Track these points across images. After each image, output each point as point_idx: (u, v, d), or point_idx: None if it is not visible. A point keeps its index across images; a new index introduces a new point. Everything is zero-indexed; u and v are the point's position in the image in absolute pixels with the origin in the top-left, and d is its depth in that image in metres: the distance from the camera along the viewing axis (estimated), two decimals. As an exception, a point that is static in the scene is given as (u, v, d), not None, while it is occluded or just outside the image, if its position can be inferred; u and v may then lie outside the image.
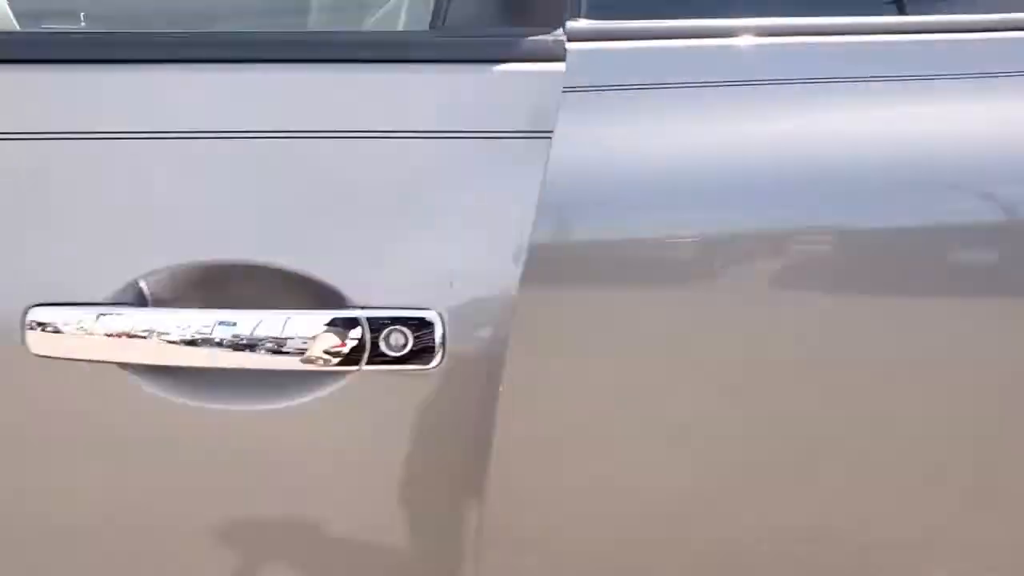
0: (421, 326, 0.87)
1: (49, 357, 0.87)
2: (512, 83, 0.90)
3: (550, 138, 0.88)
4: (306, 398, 0.88)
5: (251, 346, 0.87)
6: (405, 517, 0.93)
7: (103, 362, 0.87)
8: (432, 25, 0.92)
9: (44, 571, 0.94)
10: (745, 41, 0.94)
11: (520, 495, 0.92)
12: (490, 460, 0.89)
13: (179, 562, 0.93)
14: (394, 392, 0.89)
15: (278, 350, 0.87)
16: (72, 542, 0.93)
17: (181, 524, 0.92)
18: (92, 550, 0.93)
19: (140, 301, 0.87)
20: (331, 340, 0.87)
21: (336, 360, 0.87)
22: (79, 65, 0.89)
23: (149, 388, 0.88)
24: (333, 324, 0.87)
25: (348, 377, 0.88)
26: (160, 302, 0.87)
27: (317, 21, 1.35)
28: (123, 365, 0.87)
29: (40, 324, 0.86)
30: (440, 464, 0.91)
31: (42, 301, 0.86)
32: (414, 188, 0.88)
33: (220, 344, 0.86)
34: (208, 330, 0.86)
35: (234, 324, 0.87)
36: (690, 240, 0.90)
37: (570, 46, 0.90)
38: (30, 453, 0.90)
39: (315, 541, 0.93)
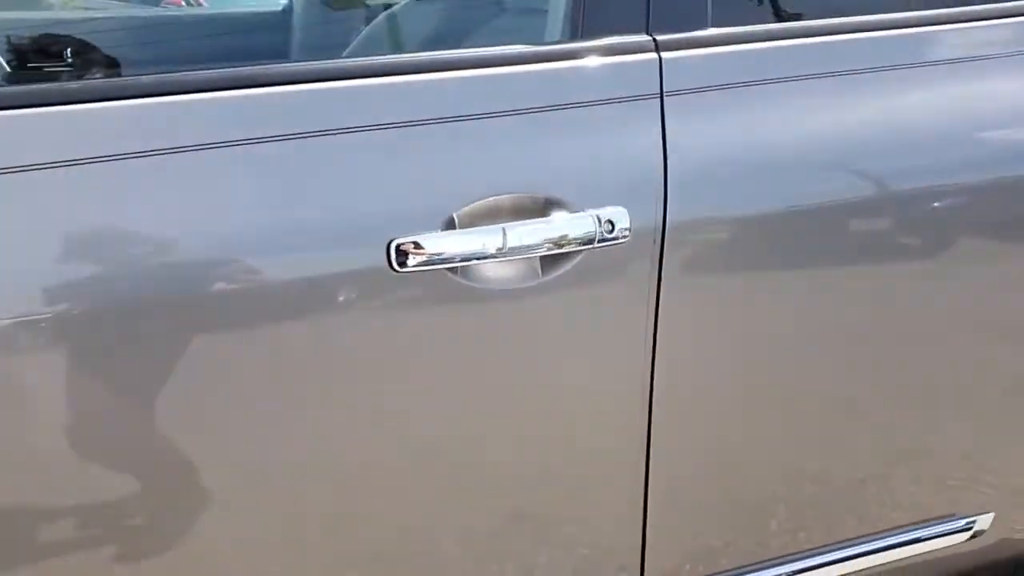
0: (618, 217, 1.43)
1: (407, 272, 1.34)
2: (627, 68, 1.48)
3: (657, 97, 1.47)
4: (567, 267, 1.41)
5: (528, 244, 1.39)
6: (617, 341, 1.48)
7: (439, 269, 1.36)
8: (572, 36, 1.49)
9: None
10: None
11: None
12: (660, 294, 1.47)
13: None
14: (614, 255, 1.43)
15: (545, 243, 1.39)
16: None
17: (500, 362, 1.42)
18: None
19: (452, 226, 1.37)
20: (579, 231, 1.41)
21: (580, 243, 1.41)
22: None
23: (467, 282, 1.37)
24: (577, 222, 1.40)
25: (585, 253, 1.41)
26: (464, 226, 1.37)
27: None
28: (450, 269, 1.36)
29: (402, 248, 1.33)
30: (632, 296, 1.47)
31: (398, 235, 1.33)
32: (596, 139, 1.44)
33: (508, 244, 1.38)
34: (499, 239, 1.38)
35: (515, 230, 1.38)
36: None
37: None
38: (395, 341, 1.37)
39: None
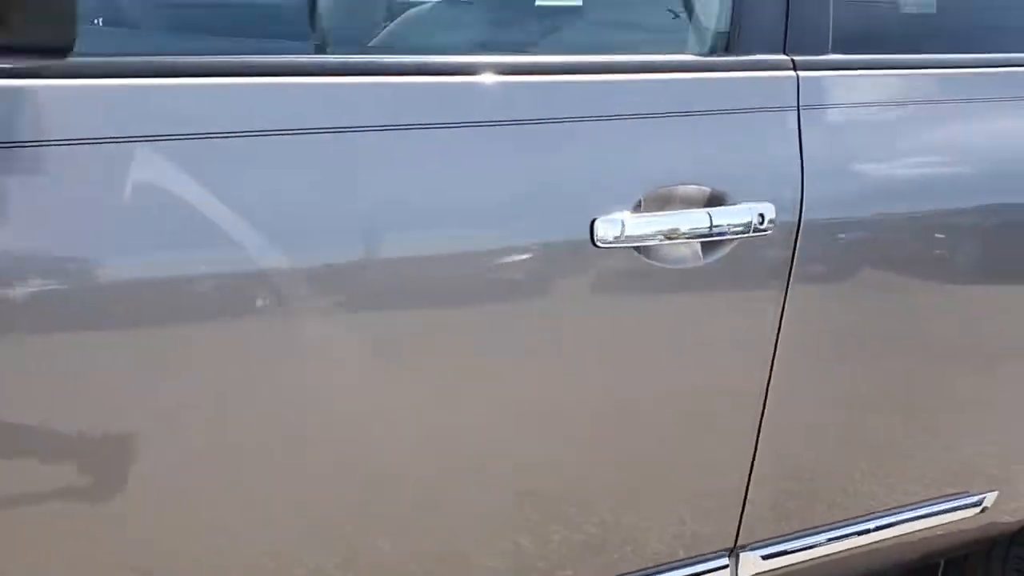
0: (767, 211, 1.65)
1: (604, 247, 1.52)
2: (773, 82, 1.70)
3: (795, 109, 1.70)
4: (725, 251, 1.62)
5: (700, 229, 1.59)
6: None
7: (627, 247, 1.54)
8: (722, 52, 1.71)
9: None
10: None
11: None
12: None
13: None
14: (760, 244, 1.65)
15: (712, 230, 1.60)
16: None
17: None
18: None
19: (639, 209, 1.56)
20: (737, 220, 1.62)
21: (737, 232, 1.62)
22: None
23: (647, 260, 1.56)
24: (736, 213, 1.62)
25: (740, 241, 1.63)
26: (647, 211, 1.57)
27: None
28: (636, 248, 1.55)
29: (603, 227, 1.51)
30: (771, 280, 1.69)
31: (599, 216, 1.52)
32: (750, 141, 1.66)
33: (685, 229, 1.58)
34: (675, 223, 1.58)
35: (690, 215, 1.59)
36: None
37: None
38: (584, 303, 1.56)
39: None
